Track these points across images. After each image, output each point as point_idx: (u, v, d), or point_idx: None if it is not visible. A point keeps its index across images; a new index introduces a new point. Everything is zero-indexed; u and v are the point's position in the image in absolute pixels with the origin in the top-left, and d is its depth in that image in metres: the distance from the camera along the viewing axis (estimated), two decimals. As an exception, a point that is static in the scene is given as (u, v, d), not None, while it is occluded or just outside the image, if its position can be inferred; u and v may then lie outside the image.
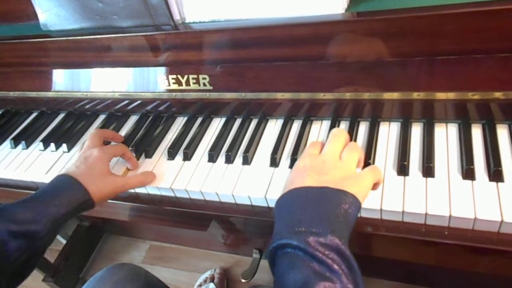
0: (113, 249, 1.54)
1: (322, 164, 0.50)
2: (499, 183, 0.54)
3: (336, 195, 0.46)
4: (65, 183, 0.61)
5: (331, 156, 0.51)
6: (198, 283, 1.32)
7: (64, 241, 1.48)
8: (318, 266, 0.40)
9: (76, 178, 0.61)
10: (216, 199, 0.66)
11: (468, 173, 0.56)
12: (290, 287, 0.40)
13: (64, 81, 0.86)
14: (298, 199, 0.47)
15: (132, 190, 0.71)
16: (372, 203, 0.55)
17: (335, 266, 0.40)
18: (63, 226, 0.60)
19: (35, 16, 0.78)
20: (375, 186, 0.51)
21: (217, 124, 0.79)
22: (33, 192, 0.60)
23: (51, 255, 1.41)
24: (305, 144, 0.69)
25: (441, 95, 0.61)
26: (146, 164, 0.74)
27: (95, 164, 0.64)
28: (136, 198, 0.72)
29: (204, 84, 0.74)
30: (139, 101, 0.83)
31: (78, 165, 0.63)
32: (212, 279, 1.29)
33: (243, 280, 1.21)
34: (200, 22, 0.70)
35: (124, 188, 0.66)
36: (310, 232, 0.42)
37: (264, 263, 1.24)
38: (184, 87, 0.76)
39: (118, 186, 0.64)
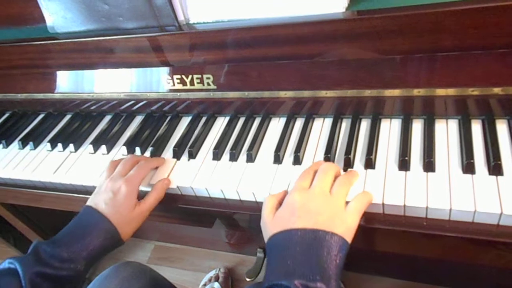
0: (118, 249, 1.52)
1: (313, 200, 0.52)
2: (499, 177, 0.55)
3: (327, 240, 0.49)
4: (97, 223, 0.61)
5: (321, 192, 0.53)
6: (203, 282, 1.33)
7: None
8: None
9: (108, 217, 0.61)
10: (221, 196, 0.67)
11: (468, 167, 0.57)
12: None
13: (70, 82, 0.88)
14: (290, 243, 0.50)
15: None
16: (374, 198, 0.56)
17: None
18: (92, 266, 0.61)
19: (42, 19, 0.80)
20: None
21: (221, 123, 0.80)
22: (62, 227, 0.62)
23: (57, 256, 1.42)
24: (308, 141, 0.70)
25: (441, 92, 0.62)
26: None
27: (123, 202, 0.63)
28: (142, 196, 0.73)
29: (208, 84, 0.75)
30: (144, 102, 0.84)
31: (107, 202, 0.63)
32: (216, 279, 1.30)
33: (247, 279, 1.22)
34: (204, 22, 0.71)
35: (147, 213, 0.66)
36: (300, 277, 0.45)
37: (268, 262, 1.25)
38: (188, 87, 0.77)
39: (142, 216, 0.65)
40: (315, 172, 0.57)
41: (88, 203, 0.65)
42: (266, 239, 0.54)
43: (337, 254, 0.48)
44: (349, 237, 0.50)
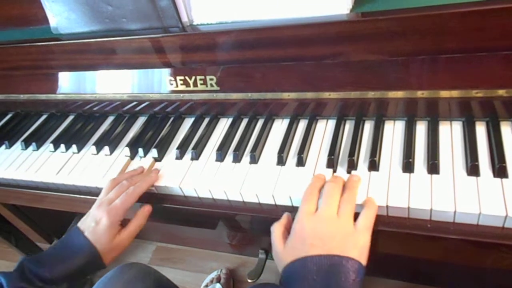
0: (120, 250, 1.55)
1: (322, 226, 0.52)
2: (504, 179, 0.55)
3: (343, 265, 0.48)
4: (81, 247, 0.63)
5: (329, 216, 0.53)
6: (204, 283, 1.32)
7: (71, 243, 1.49)
8: None
9: (91, 241, 0.63)
10: (224, 197, 0.67)
11: (472, 169, 0.56)
12: None
13: (73, 83, 0.88)
14: (307, 272, 0.49)
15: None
16: (379, 200, 0.56)
17: None
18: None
19: (46, 20, 0.80)
20: None
21: (224, 124, 0.80)
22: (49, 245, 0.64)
23: (59, 257, 1.42)
24: (311, 143, 0.70)
25: (445, 93, 0.62)
26: (154, 164, 0.75)
27: (103, 233, 0.64)
28: (145, 197, 0.73)
29: (211, 85, 0.75)
30: (147, 102, 0.84)
31: (90, 230, 0.64)
32: (218, 280, 1.30)
33: (249, 280, 1.22)
34: (207, 24, 0.71)
35: (129, 241, 0.67)
36: None
37: (270, 263, 1.25)
38: (191, 88, 0.77)
39: (123, 244, 0.66)
40: (319, 190, 0.57)
41: (79, 224, 0.66)
42: (280, 268, 0.53)
43: (354, 279, 0.48)
44: (364, 258, 0.50)
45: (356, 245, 0.50)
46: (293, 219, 0.56)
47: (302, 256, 0.50)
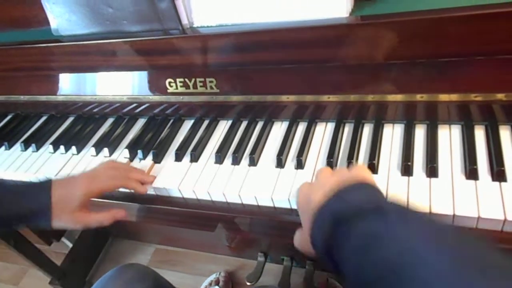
0: (119, 252, 1.55)
1: (317, 181, 0.51)
2: (502, 183, 0.55)
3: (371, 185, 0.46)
4: (39, 195, 0.61)
5: (323, 176, 0.51)
6: (203, 286, 1.32)
7: (70, 245, 1.49)
8: None
9: (52, 194, 0.60)
10: (223, 199, 0.67)
11: (471, 173, 0.57)
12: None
13: (73, 85, 0.88)
14: (337, 199, 0.44)
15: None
16: None
17: None
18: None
19: (47, 21, 0.80)
20: None
21: (223, 126, 0.80)
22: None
23: (57, 258, 1.42)
24: (310, 146, 0.70)
25: (444, 97, 0.62)
26: (153, 166, 0.75)
27: (73, 199, 0.62)
28: (143, 199, 0.73)
29: (211, 87, 0.76)
30: (147, 104, 0.85)
31: (62, 185, 0.62)
32: (217, 282, 1.30)
33: (248, 283, 1.22)
34: (207, 26, 0.71)
35: (84, 224, 0.64)
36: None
37: (269, 266, 1.25)
38: (191, 90, 0.77)
39: (77, 222, 0.63)
40: None
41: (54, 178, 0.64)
42: (313, 209, 0.46)
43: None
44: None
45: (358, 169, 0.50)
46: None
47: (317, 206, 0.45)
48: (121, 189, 0.73)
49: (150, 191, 0.72)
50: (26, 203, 0.60)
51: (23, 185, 0.63)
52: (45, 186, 0.61)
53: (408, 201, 0.56)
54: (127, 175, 0.68)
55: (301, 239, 0.52)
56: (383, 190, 0.57)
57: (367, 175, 0.50)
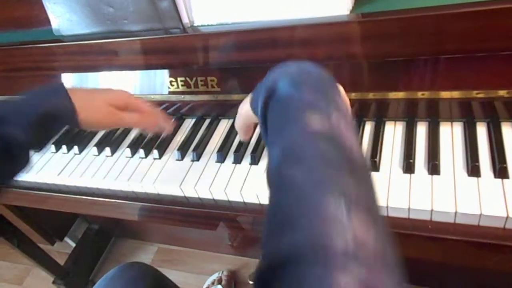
0: (122, 251, 1.55)
1: None
2: (505, 180, 0.55)
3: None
4: (57, 92, 0.56)
5: None
6: (206, 285, 1.32)
7: (73, 244, 1.50)
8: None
9: (71, 94, 0.56)
10: (224, 198, 0.67)
11: (473, 170, 0.56)
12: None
13: (74, 84, 0.88)
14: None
15: (142, 190, 0.72)
16: (379, 201, 0.56)
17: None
18: (42, 132, 0.54)
19: (48, 21, 0.80)
20: None
21: (224, 125, 0.80)
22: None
23: (60, 258, 1.43)
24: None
25: (445, 94, 0.62)
26: (155, 165, 0.75)
27: (101, 91, 0.60)
28: (146, 198, 0.73)
29: (212, 86, 0.76)
30: (148, 104, 0.85)
31: (86, 89, 0.59)
32: (219, 281, 1.30)
33: (250, 282, 1.22)
34: (208, 25, 0.71)
35: (119, 121, 0.61)
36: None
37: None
38: (192, 89, 0.77)
39: (112, 117, 0.60)
40: None
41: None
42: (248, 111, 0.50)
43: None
44: None
45: None
46: None
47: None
48: (125, 188, 0.73)
49: (152, 190, 0.72)
50: (47, 103, 0.54)
51: (38, 90, 0.57)
52: (62, 88, 0.57)
53: (410, 199, 0.55)
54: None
55: (241, 116, 0.54)
56: (385, 187, 0.57)
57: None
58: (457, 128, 0.64)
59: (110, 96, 0.61)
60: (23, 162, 0.54)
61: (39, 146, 0.54)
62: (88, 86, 0.87)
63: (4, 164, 0.51)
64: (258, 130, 0.76)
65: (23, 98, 0.55)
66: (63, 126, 0.57)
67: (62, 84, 0.58)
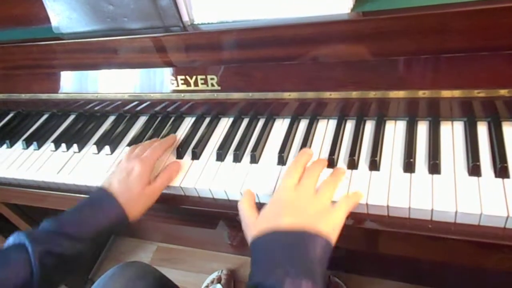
0: (121, 250, 1.55)
1: (298, 200, 0.53)
2: (505, 179, 0.54)
3: (311, 240, 0.49)
4: (107, 205, 0.62)
5: (307, 192, 0.54)
6: (205, 284, 1.32)
7: (72, 243, 1.50)
8: None
9: (118, 198, 0.62)
10: (224, 197, 0.67)
11: (474, 169, 0.56)
12: None
13: (74, 83, 0.88)
14: (275, 244, 0.50)
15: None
16: (379, 200, 0.56)
17: None
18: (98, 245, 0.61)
19: (47, 19, 0.80)
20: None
21: (224, 124, 0.80)
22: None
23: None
24: (312, 143, 0.70)
25: (446, 93, 0.61)
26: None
27: (136, 180, 0.64)
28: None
29: (212, 85, 0.75)
30: (148, 102, 0.84)
31: (120, 181, 0.64)
32: (219, 280, 1.30)
33: (250, 281, 1.22)
34: (208, 23, 0.71)
35: (158, 192, 0.67)
36: (286, 275, 0.45)
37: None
38: (192, 87, 0.77)
39: (153, 196, 0.66)
40: (304, 166, 0.59)
41: (102, 184, 0.65)
42: (250, 238, 0.53)
43: (321, 255, 0.48)
44: (333, 237, 0.51)
45: (328, 222, 0.51)
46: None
47: (275, 227, 0.51)
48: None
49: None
50: (102, 216, 0.61)
51: (86, 203, 0.63)
52: (106, 194, 0.62)
53: (410, 198, 0.55)
54: (153, 142, 0.72)
55: (246, 223, 0.56)
56: (385, 187, 0.57)
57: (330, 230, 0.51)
58: (458, 127, 0.64)
59: (140, 178, 0.65)
60: (79, 271, 0.60)
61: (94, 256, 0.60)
62: (87, 85, 0.87)
63: (60, 274, 0.57)
64: (259, 127, 0.76)
65: (79, 213, 0.61)
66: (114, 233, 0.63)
67: (106, 192, 0.63)
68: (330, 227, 0.51)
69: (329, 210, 0.53)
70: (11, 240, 0.57)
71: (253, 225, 0.54)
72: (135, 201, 0.63)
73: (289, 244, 0.49)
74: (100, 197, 0.63)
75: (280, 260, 0.48)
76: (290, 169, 0.58)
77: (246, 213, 0.56)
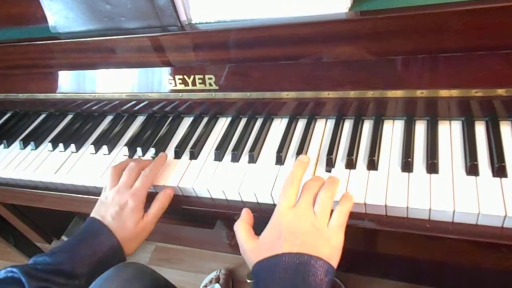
0: (119, 250, 1.55)
1: (296, 224, 0.52)
2: (503, 179, 0.54)
3: (312, 265, 0.49)
4: (103, 239, 0.62)
5: (304, 214, 0.53)
6: (203, 284, 1.32)
7: (71, 243, 1.49)
8: None
9: (114, 232, 0.62)
10: (222, 197, 0.67)
11: (471, 169, 0.56)
12: None
13: (72, 82, 0.88)
14: (276, 268, 0.49)
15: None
16: (377, 200, 0.56)
17: None
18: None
19: (44, 19, 0.80)
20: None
21: (222, 123, 0.80)
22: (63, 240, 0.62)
23: (58, 257, 1.42)
24: (310, 142, 0.70)
25: (444, 93, 0.62)
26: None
27: (130, 216, 0.64)
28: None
29: (210, 84, 0.75)
30: (145, 102, 0.84)
31: (113, 216, 0.63)
32: (217, 280, 1.30)
33: (248, 281, 1.22)
34: (206, 22, 0.71)
35: (152, 226, 0.67)
36: None
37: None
38: (190, 87, 0.77)
39: (147, 229, 0.66)
40: (300, 180, 0.57)
41: (94, 215, 0.65)
42: (250, 266, 0.53)
43: (322, 279, 0.48)
44: (335, 259, 0.51)
45: (327, 245, 0.51)
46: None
47: (274, 254, 0.50)
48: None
49: (150, 189, 0.71)
50: (99, 250, 0.61)
51: (82, 237, 0.63)
52: (103, 229, 0.62)
53: (408, 198, 0.55)
54: (140, 164, 0.69)
55: (244, 249, 0.55)
56: (383, 186, 0.57)
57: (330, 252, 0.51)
58: (456, 127, 0.64)
59: (133, 213, 0.64)
60: None
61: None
62: (85, 85, 0.86)
63: None
64: (257, 126, 0.76)
65: (75, 247, 0.61)
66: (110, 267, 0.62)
67: (100, 224, 0.63)
68: (330, 249, 0.50)
69: (327, 231, 0.52)
70: (2, 273, 0.56)
71: (252, 252, 0.53)
72: (129, 236, 0.63)
73: (290, 268, 0.49)
74: (95, 231, 0.62)
75: (280, 285, 0.48)
76: (286, 188, 0.56)
77: (243, 239, 0.55)
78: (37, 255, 0.59)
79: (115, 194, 0.65)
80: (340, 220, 0.53)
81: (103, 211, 0.64)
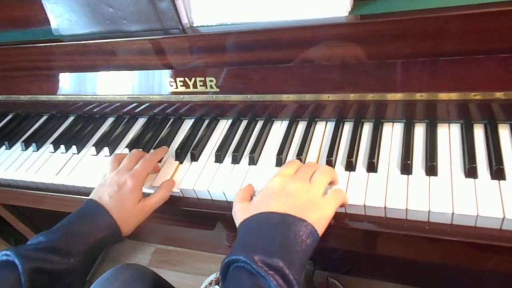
0: (119, 252, 1.55)
1: (291, 185, 0.54)
2: (501, 181, 0.55)
3: (295, 224, 0.49)
4: (99, 218, 0.61)
5: (300, 179, 0.55)
6: (203, 286, 1.32)
7: (71, 244, 1.49)
8: (262, 282, 0.44)
9: (110, 212, 0.61)
10: (223, 198, 0.67)
11: (470, 171, 0.57)
12: None
13: (73, 84, 0.88)
14: (258, 225, 0.50)
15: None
16: (377, 201, 0.57)
17: (277, 286, 0.43)
18: (90, 260, 0.60)
19: (47, 21, 0.80)
20: (342, 206, 0.56)
21: (223, 125, 0.80)
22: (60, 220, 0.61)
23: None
24: (310, 145, 0.70)
25: (443, 96, 0.62)
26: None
27: (128, 195, 0.63)
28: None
29: (211, 87, 0.76)
30: (147, 104, 0.85)
31: (111, 195, 0.63)
32: (217, 282, 1.30)
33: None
34: (207, 25, 0.72)
35: (151, 210, 0.66)
36: (260, 252, 0.45)
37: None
38: (191, 89, 0.78)
39: (145, 212, 0.65)
40: (300, 165, 0.60)
41: (92, 196, 0.64)
42: (238, 223, 0.54)
43: (303, 240, 0.48)
44: (321, 226, 0.51)
45: (316, 211, 0.51)
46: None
47: (259, 212, 0.51)
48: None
49: (150, 190, 0.72)
50: (94, 229, 0.60)
51: (77, 216, 0.62)
52: (97, 205, 0.62)
53: (407, 200, 0.56)
54: (141, 153, 0.71)
55: (235, 209, 0.57)
56: (383, 188, 0.58)
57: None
58: (455, 130, 0.65)
59: (131, 193, 0.64)
60: (74, 285, 0.58)
61: (86, 271, 0.58)
62: (86, 87, 0.87)
63: None
64: (258, 129, 0.76)
65: (70, 226, 0.60)
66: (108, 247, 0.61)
67: (97, 204, 0.62)
68: (318, 216, 0.51)
69: (320, 198, 0.53)
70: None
71: (241, 211, 0.55)
72: (127, 215, 0.63)
73: (271, 224, 0.49)
74: (91, 210, 0.62)
75: (258, 238, 0.48)
76: (289, 162, 0.60)
77: (236, 200, 0.58)
78: (33, 237, 0.58)
79: (114, 175, 0.66)
80: (335, 196, 0.54)
81: (101, 191, 0.64)
